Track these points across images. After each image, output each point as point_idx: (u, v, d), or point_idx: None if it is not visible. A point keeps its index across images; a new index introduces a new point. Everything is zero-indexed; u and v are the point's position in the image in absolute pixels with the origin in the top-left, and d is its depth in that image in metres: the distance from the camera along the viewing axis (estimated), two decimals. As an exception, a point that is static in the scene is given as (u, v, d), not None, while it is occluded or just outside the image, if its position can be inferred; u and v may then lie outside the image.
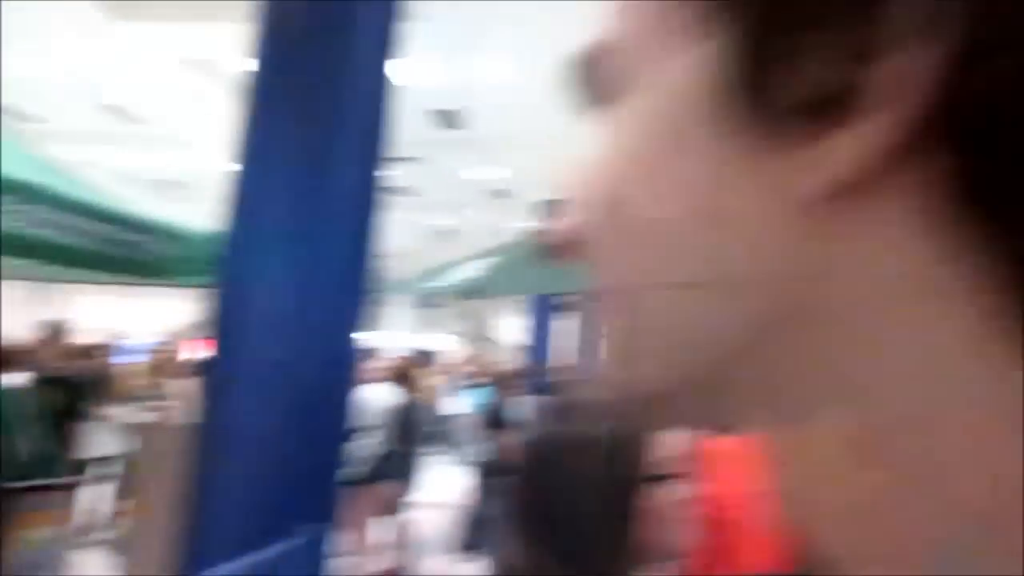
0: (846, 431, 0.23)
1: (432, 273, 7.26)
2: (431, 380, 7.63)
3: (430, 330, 15.87)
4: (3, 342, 3.84)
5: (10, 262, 3.93)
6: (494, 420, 5.00)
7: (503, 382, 5.90)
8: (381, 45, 2.61)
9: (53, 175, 3.09)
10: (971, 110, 0.20)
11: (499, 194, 11.08)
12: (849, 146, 0.21)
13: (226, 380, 2.57)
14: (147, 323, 14.33)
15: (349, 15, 2.52)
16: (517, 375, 6.05)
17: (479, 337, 16.63)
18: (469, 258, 6.37)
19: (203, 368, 5.68)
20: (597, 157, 0.28)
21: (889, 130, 0.21)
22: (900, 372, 0.22)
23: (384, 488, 4.60)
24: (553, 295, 6.86)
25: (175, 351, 6.81)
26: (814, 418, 0.24)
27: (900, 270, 0.21)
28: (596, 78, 0.30)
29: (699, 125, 0.24)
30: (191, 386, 6.01)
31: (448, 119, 8.12)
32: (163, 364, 6.24)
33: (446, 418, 7.73)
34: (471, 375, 9.87)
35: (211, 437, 2.53)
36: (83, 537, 4.15)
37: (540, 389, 5.16)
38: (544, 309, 7.42)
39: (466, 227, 13.44)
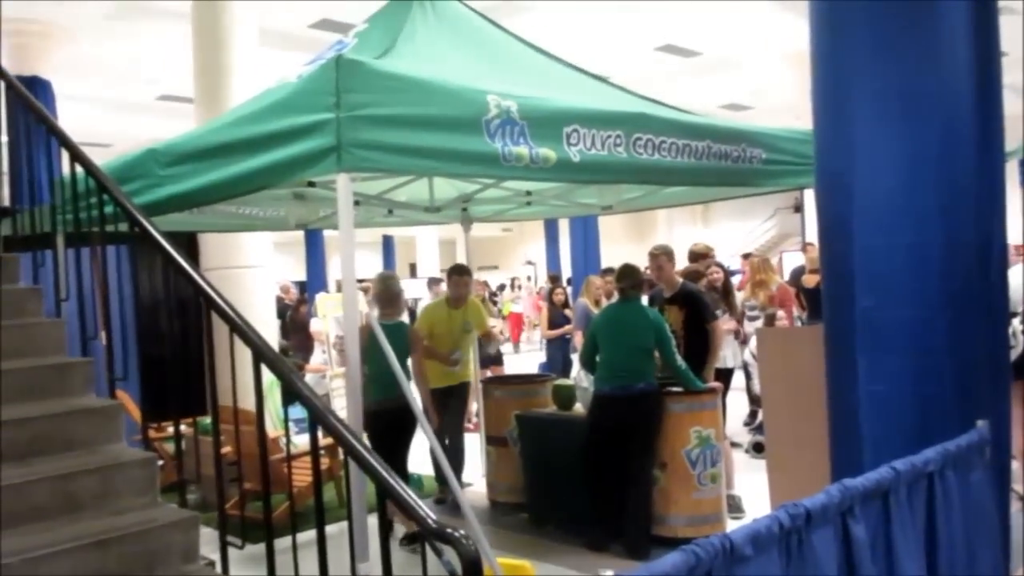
0: None
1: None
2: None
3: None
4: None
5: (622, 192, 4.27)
6: None
7: None
8: None
9: (644, 104, 3.29)
10: None
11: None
12: None
13: (846, 278, 2.49)
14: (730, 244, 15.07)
15: None
16: None
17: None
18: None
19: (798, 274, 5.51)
20: None
21: None
22: None
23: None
24: None
25: (768, 264, 6.93)
26: None
27: None
28: None
29: None
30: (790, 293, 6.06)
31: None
32: (761, 277, 6.39)
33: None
34: None
35: (842, 336, 2.48)
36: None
37: None
38: None
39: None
